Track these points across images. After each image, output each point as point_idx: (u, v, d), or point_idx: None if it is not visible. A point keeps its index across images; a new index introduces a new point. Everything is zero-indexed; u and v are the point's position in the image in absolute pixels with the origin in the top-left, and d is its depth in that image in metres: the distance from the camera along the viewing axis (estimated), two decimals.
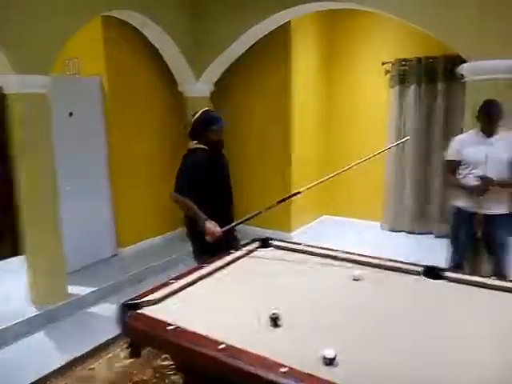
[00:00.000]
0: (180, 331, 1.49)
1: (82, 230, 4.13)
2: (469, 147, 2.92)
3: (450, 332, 1.53)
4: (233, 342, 1.39)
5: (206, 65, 4.50)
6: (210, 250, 2.45)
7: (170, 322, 1.54)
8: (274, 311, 1.56)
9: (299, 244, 2.52)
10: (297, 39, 4.86)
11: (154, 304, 1.75)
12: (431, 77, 4.81)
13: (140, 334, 1.61)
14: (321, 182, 2.62)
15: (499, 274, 2.78)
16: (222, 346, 1.37)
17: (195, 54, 4.51)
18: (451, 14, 3.13)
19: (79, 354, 2.79)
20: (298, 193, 2.60)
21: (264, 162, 5.11)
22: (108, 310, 3.49)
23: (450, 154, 3.05)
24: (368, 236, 5.18)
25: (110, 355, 2.79)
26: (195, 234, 2.59)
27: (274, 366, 1.26)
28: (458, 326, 1.58)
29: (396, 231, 5.30)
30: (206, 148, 2.60)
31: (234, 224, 2.56)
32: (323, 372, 1.25)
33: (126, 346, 2.51)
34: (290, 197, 2.64)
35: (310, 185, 2.60)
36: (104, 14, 3.74)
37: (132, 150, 4.56)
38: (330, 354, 1.29)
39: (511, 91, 3.04)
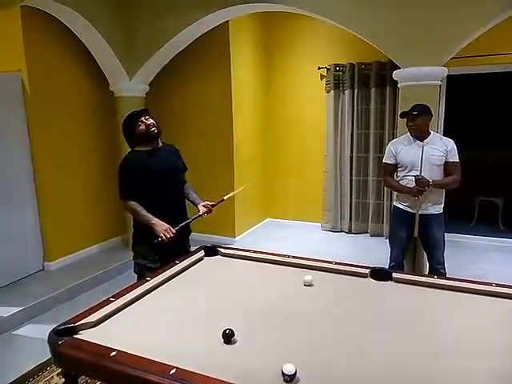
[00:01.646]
0: (125, 357, 1.34)
1: (1, 244, 3.70)
2: (403, 150, 3.06)
3: (400, 333, 1.54)
4: (185, 365, 1.27)
5: (139, 64, 4.28)
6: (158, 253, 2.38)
7: (112, 346, 1.39)
8: (228, 327, 1.47)
9: (247, 251, 2.44)
10: (235, 41, 4.80)
11: (92, 327, 1.57)
12: (364, 82, 5.00)
13: (77, 362, 1.43)
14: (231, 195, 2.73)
15: (437, 271, 2.93)
16: (173, 371, 1.25)
17: (128, 53, 4.27)
18: (384, 24, 3.25)
19: None
20: (223, 200, 2.65)
21: (204, 162, 4.98)
22: (36, 331, 3.16)
23: (386, 157, 3.18)
24: (310, 237, 5.27)
25: (40, 383, 2.51)
26: (141, 238, 2.48)
27: None
28: (406, 326, 1.60)
29: (336, 231, 5.45)
30: (143, 149, 2.49)
31: (185, 222, 2.44)
32: None
33: (59, 373, 2.26)
34: (218, 203, 2.64)
35: (236, 191, 2.76)
36: (21, 3, 3.37)
37: (60, 154, 4.20)
38: (289, 370, 1.22)
39: (436, 96, 3.24)
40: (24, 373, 2.59)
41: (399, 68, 3.30)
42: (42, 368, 2.62)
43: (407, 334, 1.54)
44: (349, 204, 5.34)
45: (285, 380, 1.23)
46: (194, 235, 4.97)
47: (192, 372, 1.24)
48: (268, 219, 5.91)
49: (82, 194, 4.48)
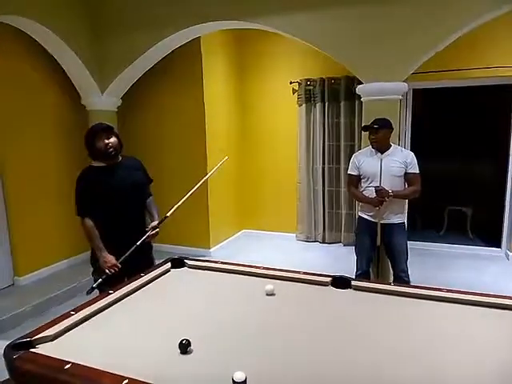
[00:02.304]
0: (79, 369, 1.35)
1: None
2: (365, 162, 3.17)
3: (357, 340, 1.60)
4: (140, 376, 1.30)
5: (111, 78, 4.30)
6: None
7: (67, 359, 1.40)
8: (184, 337, 1.50)
9: (215, 262, 2.47)
10: (208, 55, 4.88)
11: (50, 340, 1.58)
12: (334, 96, 5.15)
13: (32, 376, 1.43)
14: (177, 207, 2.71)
15: (401, 279, 3.02)
16: (125, 381, 1.27)
17: (100, 67, 4.29)
18: (346, 40, 3.38)
19: None
20: (166, 217, 2.66)
21: (177, 175, 5.00)
22: (3, 347, 3.09)
23: (350, 168, 3.29)
24: (284, 247, 5.33)
25: None
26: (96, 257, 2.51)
27: None
28: (365, 333, 1.66)
29: (310, 241, 5.53)
30: (100, 165, 2.51)
31: (128, 252, 2.44)
32: None
33: None
34: (162, 221, 2.66)
35: (175, 207, 2.69)
36: None
37: (29, 169, 4.16)
38: (239, 377, 1.26)
39: (397, 109, 3.37)
40: None
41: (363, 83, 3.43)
42: None
43: (364, 340, 1.60)
44: (322, 214, 5.44)
45: None
46: (166, 247, 4.98)
47: (144, 382, 1.27)
48: (243, 230, 5.95)
49: (52, 208, 4.42)
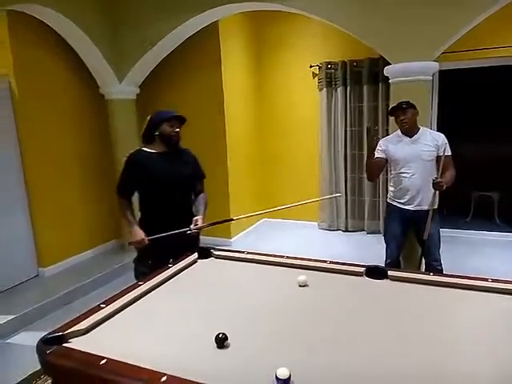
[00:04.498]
0: (115, 365, 1.30)
1: None
2: (393, 147, 3.03)
3: (398, 331, 1.52)
4: (177, 371, 1.24)
5: (129, 67, 4.24)
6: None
7: (102, 355, 1.35)
8: (220, 331, 1.43)
9: (242, 252, 2.41)
10: (226, 41, 4.78)
11: (82, 335, 1.54)
12: (356, 79, 4.98)
13: (66, 372, 1.39)
14: (256, 214, 2.84)
15: (433, 268, 2.91)
16: (164, 378, 1.22)
17: (118, 56, 4.24)
18: (374, 20, 3.24)
19: None
20: (232, 219, 2.70)
21: None
22: (30, 339, 3.09)
23: (377, 152, 3.14)
24: (306, 236, 5.25)
25: None
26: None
27: None
28: (404, 324, 1.58)
29: (332, 230, 5.43)
30: (152, 151, 2.48)
31: (162, 235, 2.37)
32: None
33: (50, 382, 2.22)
34: (224, 221, 2.65)
35: (245, 215, 2.76)
36: (8, 8, 3.34)
37: (51, 158, 4.16)
38: (283, 374, 1.19)
39: (428, 91, 3.22)
40: (17, 382, 2.55)
41: (390, 64, 3.28)
42: (35, 377, 2.58)
43: (405, 332, 1.52)
44: (344, 202, 5.32)
45: None
46: None
47: (183, 379, 1.21)
48: (264, 219, 5.88)
49: (75, 197, 4.44)
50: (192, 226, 2.43)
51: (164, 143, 2.47)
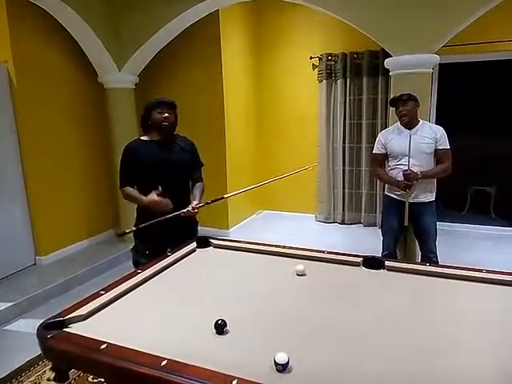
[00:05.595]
0: (115, 350, 1.32)
1: None
2: (392, 140, 3.05)
3: (396, 321, 1.54)
4: (176, 356, 1.26)
5: (128, 55, 4.21)
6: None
7: (102, 339, 1.37)
8: (220, 317, 1.45)
9: (239, 242, 2.42)
10: (226, 30, 4.75)
11: (82, 320, 1.55)
12: (356, 71, 4.97)
13: (67, 356, 1.41)
14: (243, 191, 2.79)
15: (429, 259, 2.94)
16: (164, 362, 1.23)
17: (117, 44, 4.20)
18: (375, 11, 3.23)
19: None
20: (223, 198, 2.63)
21: None
22: (28, 325, 3.14)
23: (376, 147, 3.17)
24: (303, 228, 5.27)
25: (32, 378, 2.49)
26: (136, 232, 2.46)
27: (224, 379, 1.15)
28: (402, 314, 1.60)
29: (329, 222, 5.45)
30: (148, 139, 2.48)
31: (152, 221, 2.31)
32: (277, 380, 1.17)
33: (50, 368, 2.24)
34: (217, 200, 2.60)
35: (234, 192, 2.73)
36: None
37: (49, 147, 4.13)
38: (282, 359, 1.21)
39: (428, 83, 3.22)
40: (16, 368, 2.57)
41: (391, 56, 3.28)
42: (33, 363, 2.60)
43: (403, 321, 1.54)
44: (342, 194, 5.34)
45: (277, 369, 1.22)
46: None
47: (183, 363, 1.23)
48: (261, 211, 5.90)
49: (73, 187, 4.43)
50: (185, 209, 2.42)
51: (157, 131, 2.46)
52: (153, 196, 2.33)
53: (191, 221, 2.62)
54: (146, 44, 4.12)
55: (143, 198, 2.39)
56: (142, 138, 2.53)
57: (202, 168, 2.75)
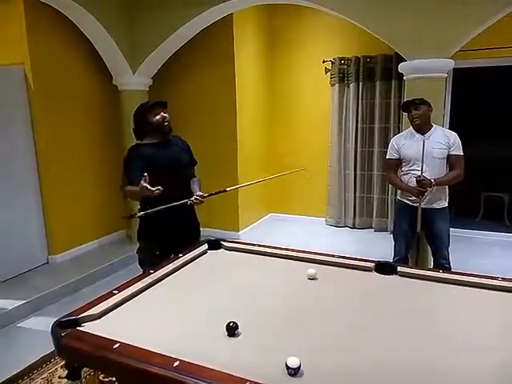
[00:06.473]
0: (128, 349, 1.33)
1: (6, 237, 3.71)
2: (405, 145, 3.02)
3: (407, 327, 1.53)
4: (189, 357, 1.26)
5: (142, 58, 4.26)
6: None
7: (115, 339, 1.38)
8: (231, 319, 1.46)
9: (251, 244, 2.43)
10: (239, 34, 4.76)
11: (95, 319, 1.57)
12: (369, 75, 4.95)
13: (80, 354, 1.42)
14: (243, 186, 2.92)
15: (441, 266, 2.90)
16: (177, 363, 1.24)
17: (131, 47, 4.25)
18: (390, 16, 3.21)
19: (8, 376, 2.48)
20: (225, 190, 2.57)
21: (207, 156, 4.94)
22: (41, 323, 3.17)
23: (390, 153, 3.15)
24: (313, 232, 5.25)
25: (44, 375, 2.52)
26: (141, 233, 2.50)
27: (237, 382, 1.15)
28: (413, 320, 1.58)
29: (339, 226, 5.42)
30: (150, 142, 2.47)
31: (159, 208, 2.25)
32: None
33: (62, 365, 2.27)
34: (217, 193, 2.56)
35: (235, 186, 2.75)
36: None
37: (63, 147, 4.19)
38: (293, 363, 1.21)
39: (443, 88, 3.19)
40: (28, 365, 2.59)
41: (405, 61, 3.26)
42: (46, 360, 2.63)
43: (415, 328, 1.53)
44: (353, 199, 5.30)
45: (289, 373, 1.22)
46: None
47: (195, 364, 1.23)
48: (272, 214, 5.89)
49: (86, 187, 4.48)
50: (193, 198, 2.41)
51: (158, 133, 2.45)
52: (141, 183, 2.21)
53: (194, 222, 2.69)
54: (159, 47, 4.16)
55: (135, 187, 2.24)
56: (143, 142, 2.50)
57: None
